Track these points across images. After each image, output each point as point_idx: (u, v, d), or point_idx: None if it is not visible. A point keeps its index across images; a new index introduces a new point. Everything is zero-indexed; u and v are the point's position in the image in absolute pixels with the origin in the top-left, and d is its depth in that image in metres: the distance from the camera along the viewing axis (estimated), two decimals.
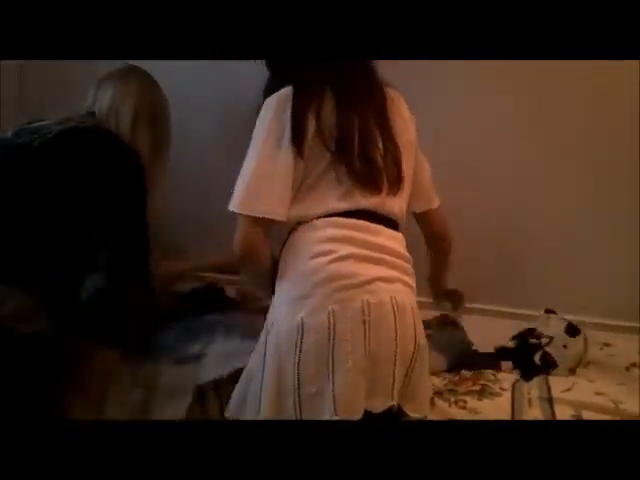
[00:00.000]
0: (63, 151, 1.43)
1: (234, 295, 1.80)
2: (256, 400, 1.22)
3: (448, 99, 1.86)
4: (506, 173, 1.90)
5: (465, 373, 1.61)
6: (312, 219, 1.27)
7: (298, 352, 1.17)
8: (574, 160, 1.86)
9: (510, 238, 1.95)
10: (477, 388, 1.54)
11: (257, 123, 1.30)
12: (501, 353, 1.72)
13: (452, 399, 1.49)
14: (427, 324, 1.45)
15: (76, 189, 1.40)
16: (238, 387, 1.30)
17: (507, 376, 1.61)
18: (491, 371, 1.62)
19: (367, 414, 1.19)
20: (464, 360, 1.66)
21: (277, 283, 1.28)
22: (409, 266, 1.31)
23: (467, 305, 1.86)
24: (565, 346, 1.66)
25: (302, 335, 1.18)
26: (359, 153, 1.28)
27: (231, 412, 1.29)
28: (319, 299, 1.19)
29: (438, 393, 1.51)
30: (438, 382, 1.56)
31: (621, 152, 1.82)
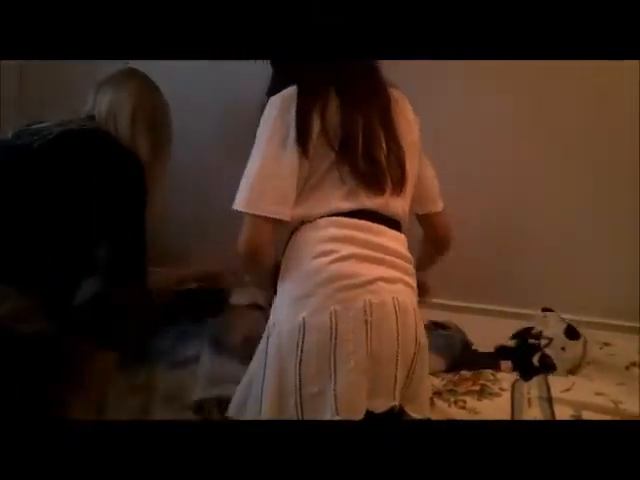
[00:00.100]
0: (63, 153, 1.43)
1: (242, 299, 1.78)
2: (257, 401, 1.22)
3: (448, 99, 1.86)
4: (506, 173, 1.90)
5: (465, 373, 1.61)
6: (315, 218, 1.27)
7: (299, 352, 1.17)
8: (574, 160, 1.86)
9: (510, 238, 1.95)
10: (476, 388, 1.54)
11: (261, 122, 1.29)
12: (501, 352, 1.72)
13: (452, 399, 1.50)
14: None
15: (75, 190, 1.40)
16: (239, 388, 1.30)
17: (506, 376, 1.61)
18: (490, 371, 1.62)
19: (368, 414, 1.19)
20: (463, 360, 1.66)
21: (279, 283, 1.27)
22: (410, 266, 1.31)
23: (467, 305, 1.87)
24: (564, 348, 1.66)
25: (304, 335, 1.17)
26: (363, 153, 1.28)
27: (232, 412, 1.29)
28: (321, 299, 1.19)
29: (438, 393, 1.51)
30: (437, 382, 1.56)
31: (621, 152, 1.83)
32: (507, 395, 1.51)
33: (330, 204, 1.27)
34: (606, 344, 1.77)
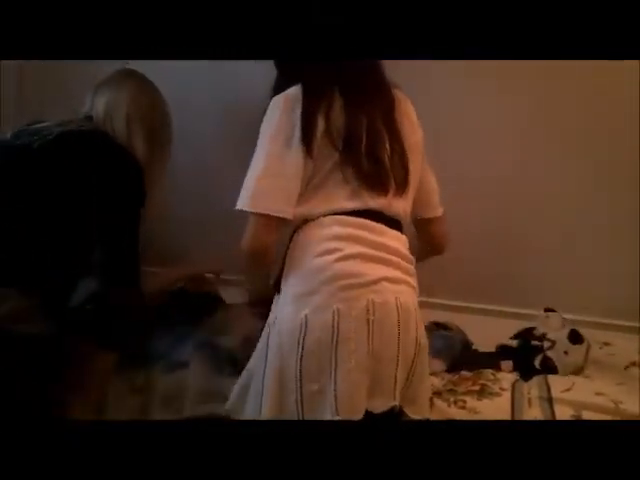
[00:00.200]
0: (63, 153, 1.43)
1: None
2: (257, 396, 1.22)
3: (448, 99, 1.86)
4: (506, 173, 1.90)
5: (464, 373, 1.61)
6: (318, 217, 1.27)
7: (300, 349, 1.17)
8: (574, 160, 1.86)
9: (510, 238, 1.95)
10: (476, 388, 1.54)
11: (264, 122, 1.29)
12: (502, 351, 1.72)
13: (451, 399, 1.49)
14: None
15: (75, 191, 1.40)
16: (238, 384, 1.30)
17: (507, 376, 1.61)
18: (490, 371, 1.62)
19: (368, 414, 1.19)
20: (463, 360, 1.66)
21: (282, 280, 1.27)
22: (411, 267, 1.31)
23: (467, 305, 1.87)
24: (566, 352, 1.65)
25: (305, 332, 1.18)
26: (367, 153, 1.28)
27: (230, 408, 1.29)
28: (324, 297, 1.19)
29: (437, 393, 1.51)
30: (437, 382, 1.56)
31: (621, 152, 1.82)
32: (507, 395, 1.51)
33: (334, 203, 1.27)
34: (606, 344, 1.77)
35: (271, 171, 1.24)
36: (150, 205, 1.51)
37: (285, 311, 1.23)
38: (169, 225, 1.93)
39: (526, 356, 1.67)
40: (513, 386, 1.55)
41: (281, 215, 1.24)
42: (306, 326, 1.18)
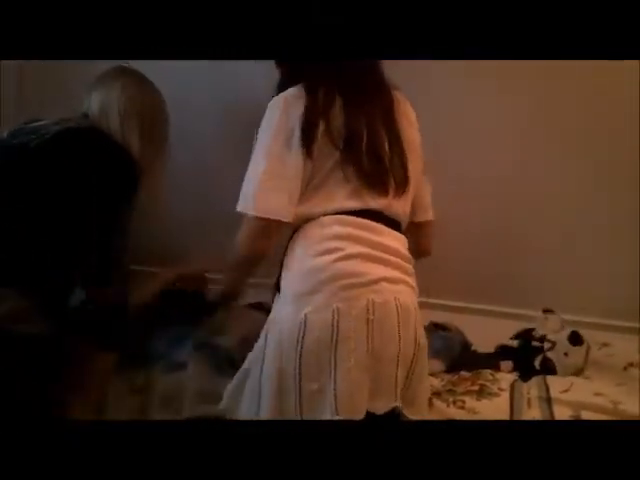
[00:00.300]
0: (61, 152, 1.43)
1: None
2: (254, 396, 1.22)
3: (448, 99, 1.86)
4: (506, 173, 1.90)
5: (464, 373, 1.61)
6: (319, 216, 1.27)
7: (300, 348, 1.17)
8: (574, 160, 1.86)
9: (510, 238, 1.95)
10: (476, 388, 1.54)
11: (263, 122, 1.29)
12: (502, 351, 1.72)
13: (450, 399, 1.49)
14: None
15: (74, 189, 1.40)
16: (232, 384, 1.30)
17: (506, 376, 1.61)
18: (489, 371, 1.62)
19: (368, 415, 1.19)
20: (462, 361, 1.66)
21: (282, 280, 1.27)
22: (410, 267, 1.31)
23: (467, 305, 1.86)
24: (566, 354, 1.65)
25: (305, 331, 1.17)
26: (367, 152, 1.28)
27: (224, 407, 1.29)
28: (325, 296, 1.19)
29: (437, 393, 1.51)
30: (437, 382, 1.56)
31: (621, 152, 1.82)
32: (506, 395, 1.51)
33: (334, 203, 1.27)
34: (605, 344, 1.77)
35: (272, 173, 1.24)
36: (149, 204, 1.51)
37: (285, 310, 1.23)
38: (169, 225, 1.93)
39: (526, 356, 1.67)
40: (512, 386, 1.55)
41: (282, 218, 1.24)
42: (306, 325, 1.18)
